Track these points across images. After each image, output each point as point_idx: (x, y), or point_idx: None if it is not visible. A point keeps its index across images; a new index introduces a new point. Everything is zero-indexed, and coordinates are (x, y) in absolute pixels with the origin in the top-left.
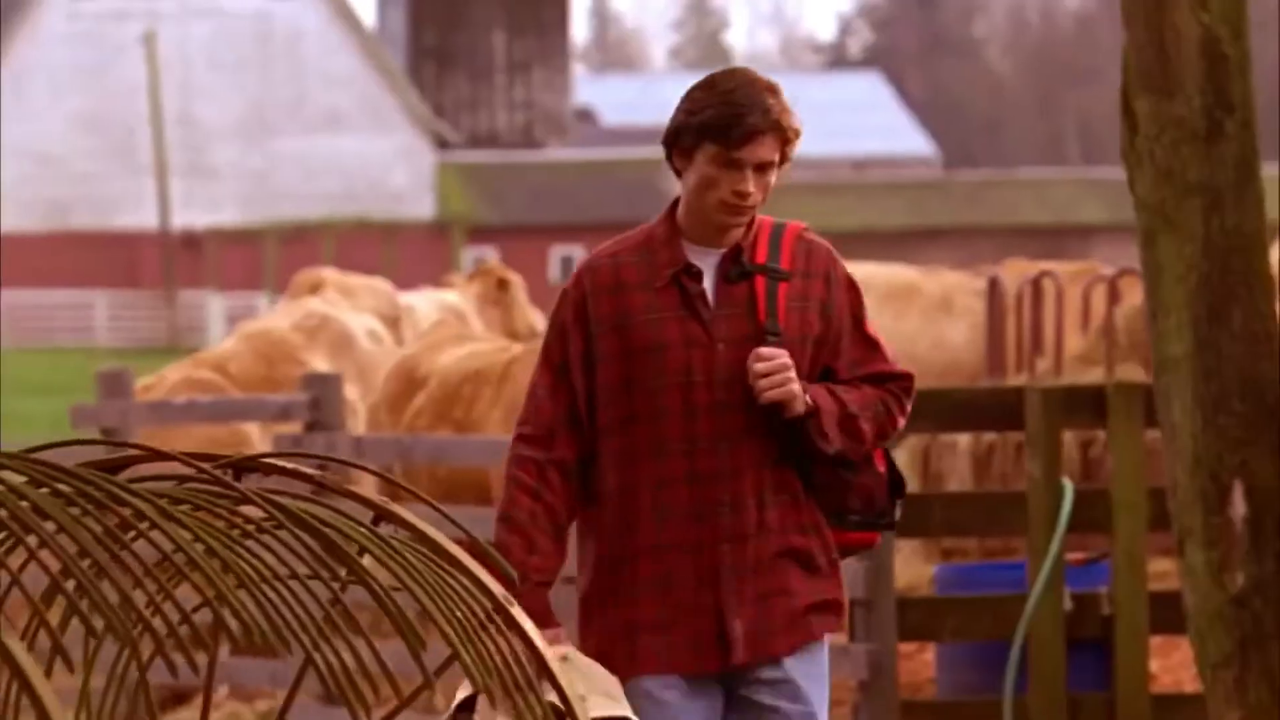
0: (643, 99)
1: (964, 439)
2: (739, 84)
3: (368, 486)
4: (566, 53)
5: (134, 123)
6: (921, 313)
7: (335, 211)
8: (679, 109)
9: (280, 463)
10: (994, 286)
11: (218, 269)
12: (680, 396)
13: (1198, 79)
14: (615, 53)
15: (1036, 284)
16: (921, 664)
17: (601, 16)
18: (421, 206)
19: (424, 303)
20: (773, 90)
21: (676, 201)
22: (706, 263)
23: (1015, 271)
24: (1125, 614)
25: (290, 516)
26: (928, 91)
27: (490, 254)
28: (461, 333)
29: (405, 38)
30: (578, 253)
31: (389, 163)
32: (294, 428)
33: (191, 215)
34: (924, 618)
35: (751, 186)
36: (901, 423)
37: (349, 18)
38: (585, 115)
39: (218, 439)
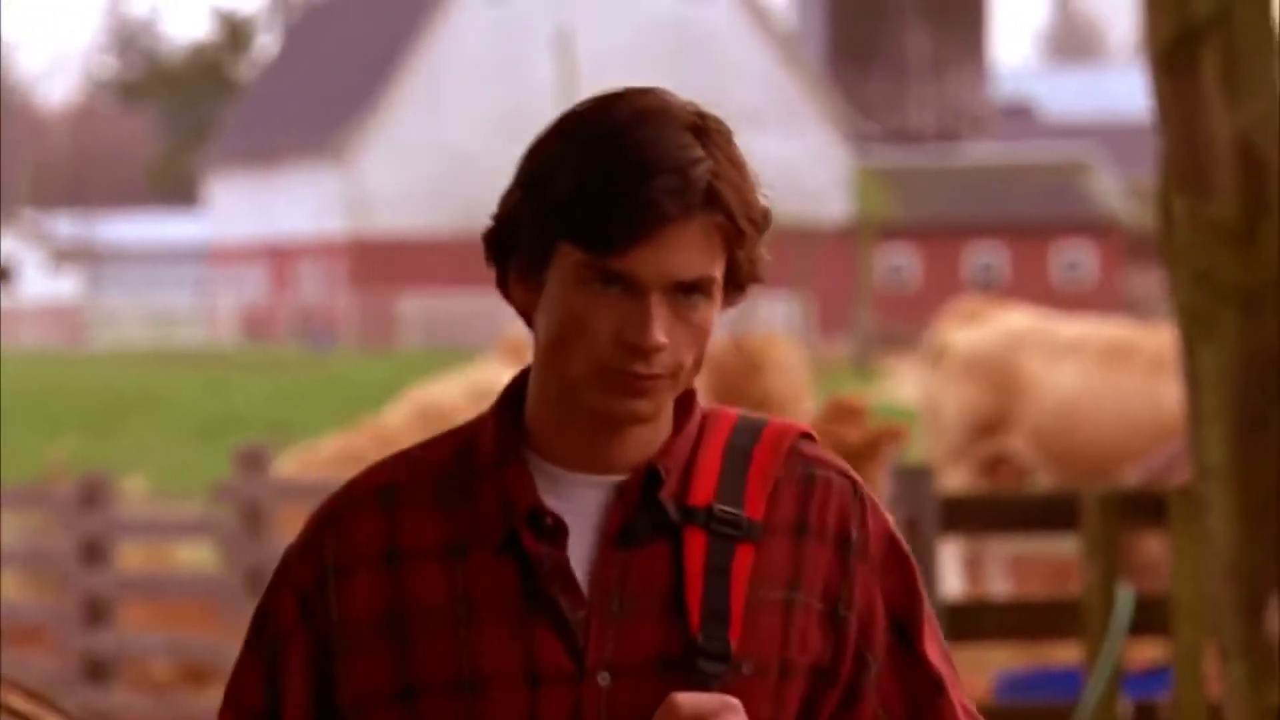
0: (1089, 91)
1: None
2: (633, 116)
3: None
4: (984, 49)
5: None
6: (1140, 371)
7: None
8: (517, 175)
9: None
10: None
11: None
12: None
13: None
14: (1075, 41)
15: None
16: None
17: (1063, 4)
18: (834, 207)
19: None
20: (699, 128)
21: (516, 382)
22: (580, 503)
23: None
24: None
25: None
26: None
27: (904, 257)
28: None
29: (824, 36)
30: (993, 256)
31: (803, 162)
32: None
33: None
34: None
35: (660, 333)
36: None
37: (764, 16)
38: (1020, 111)
39: None
